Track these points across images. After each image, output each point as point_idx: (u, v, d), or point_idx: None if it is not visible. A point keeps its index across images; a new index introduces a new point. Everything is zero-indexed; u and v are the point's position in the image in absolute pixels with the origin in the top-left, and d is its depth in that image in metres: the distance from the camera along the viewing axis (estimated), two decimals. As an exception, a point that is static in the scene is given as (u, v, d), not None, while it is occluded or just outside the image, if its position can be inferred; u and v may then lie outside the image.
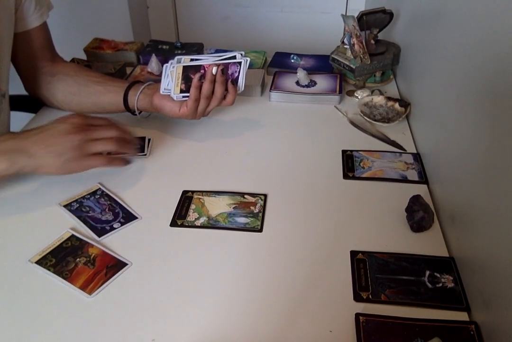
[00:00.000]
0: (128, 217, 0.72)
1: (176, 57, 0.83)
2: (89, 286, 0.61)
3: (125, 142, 0.76)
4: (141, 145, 0.88)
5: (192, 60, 0.83)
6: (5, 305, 0.59)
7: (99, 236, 0.69)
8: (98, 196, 0.76)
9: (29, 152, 0.69)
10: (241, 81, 0.84)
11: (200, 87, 0.82)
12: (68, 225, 0.71)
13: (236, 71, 0.83)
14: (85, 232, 0.70)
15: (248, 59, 0.83)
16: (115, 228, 0.70)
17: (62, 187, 0.78)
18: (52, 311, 0.58)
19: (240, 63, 0.82)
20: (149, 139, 0.90)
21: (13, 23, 0.86)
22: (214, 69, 0.80)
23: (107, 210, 0.73)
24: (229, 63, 0.82)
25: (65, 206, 0.74)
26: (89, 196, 0.76)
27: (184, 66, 0.82)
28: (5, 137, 0.71)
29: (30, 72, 0.95)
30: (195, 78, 0.80)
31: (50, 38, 0.98)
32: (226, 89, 0.84)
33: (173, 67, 0.82)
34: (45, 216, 0.73)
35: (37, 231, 0.70)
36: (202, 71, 0.81)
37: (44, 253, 0.65)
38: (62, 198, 0.75)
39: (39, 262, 0.64)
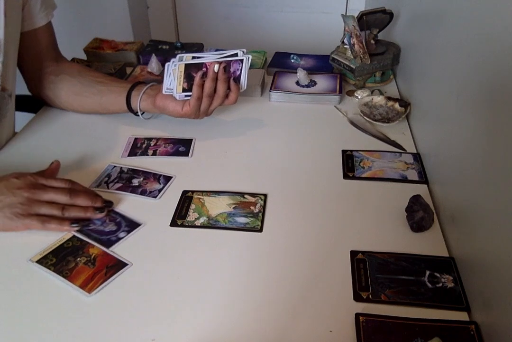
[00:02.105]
0: (132, 225, 0.71)
1: (178, 55, 0.83)
2: (88, 285, 0.61)
3: (79, 208, 0.69)
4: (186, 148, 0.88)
5: (193, 58, 0.82)
6: (6, 303, 0.59)
7: (108, 247, 0.67)
8: None
9: None
10: (244, 79, 0.84)
11: (202, 86, 0.81)
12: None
13: (238, 69, 0.83)
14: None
15: (250, 56, 0.82)
16: (121, 238, 0.68)
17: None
18: (52, 310, 0.58)
19: (242, 60, 0.82)
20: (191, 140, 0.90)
21: (20, 23, 0.86)
22: (216, 67, 0.80)
23: (107, 220, 0.71)
24: (231, 60, 0.82)
25: None
26: None
27: (186, 64, 0.81)
28: None
29: (34, 72, 0.95)
30: (197, 77, 0.80)
31: (54, 38, 0.98)
32: (229, 88, 0.83)
33: (175, 65, 0.82)
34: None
35: (39, 232, 0.69)
36: (204, 69, 0.81)
37: (45, 253, 0.65)
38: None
39: (40, 261, 0.64)
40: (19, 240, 0.68)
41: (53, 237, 0.68)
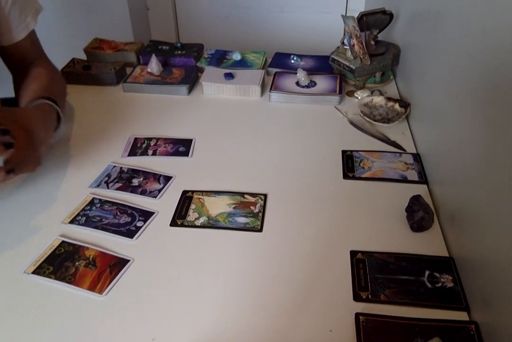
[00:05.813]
0: (145, 214, 0.72)
1: None
2: (97, 286, 0.61)
3: None
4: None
5: None
6: (12, 320, 0.58)
7: (132, 237, 0.68)
8: (99, 204, 0.74)
9: None
10: None
11: None
12: (56, 233, 0.69)
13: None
14: (111, 239, 0.68)
15: None
16: (140, 227, 0.69)
17: (52, 204, 0.75)
18: (52, 315, 0.58)
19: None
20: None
21: None
22: None
23: (118, 213, 0.72)
24: None
25: (71, 222, 0.71)
26: (89, 208, 0.73)
27: None
28: None
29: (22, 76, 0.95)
30: None
31: (37, 45, 0.96)
32: None
33: None
34: (30, 227, 0.71)
35: (24, 243, 0.68)
36: None
37: (39, 263, 0.64)
38: (56, 215, 0.72)
39: (36, 272, 0.63)
40: (6, 253, 0.67)
41: (41, 246, 0.67)
